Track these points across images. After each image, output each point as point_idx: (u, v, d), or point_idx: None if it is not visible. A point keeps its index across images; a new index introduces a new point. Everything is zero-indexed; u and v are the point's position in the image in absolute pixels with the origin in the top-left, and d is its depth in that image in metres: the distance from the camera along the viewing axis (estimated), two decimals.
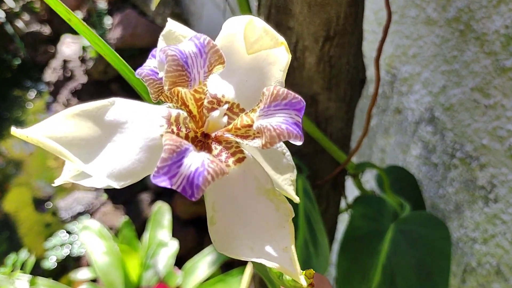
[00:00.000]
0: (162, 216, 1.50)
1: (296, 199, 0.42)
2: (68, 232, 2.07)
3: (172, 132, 0.32)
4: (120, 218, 2.00)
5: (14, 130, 0.28)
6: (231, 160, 0.33)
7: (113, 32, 2.26)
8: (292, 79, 0.60)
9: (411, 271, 0.60)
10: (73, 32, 2.43)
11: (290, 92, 0.30)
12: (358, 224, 0.65)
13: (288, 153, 0.38)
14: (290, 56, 0.34)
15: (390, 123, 0.89)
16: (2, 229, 2.13)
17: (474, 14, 0.67)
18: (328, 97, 0.60)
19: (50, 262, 1.93)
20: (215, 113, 0.33)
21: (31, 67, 2.74)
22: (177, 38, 0.39)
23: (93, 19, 2.41)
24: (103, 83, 2.30)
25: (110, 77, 2.29)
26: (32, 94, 2.71)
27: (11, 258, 1.40)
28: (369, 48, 0.92)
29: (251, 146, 0.32)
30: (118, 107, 0.32)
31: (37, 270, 1.85)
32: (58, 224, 2.12)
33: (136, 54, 2.31)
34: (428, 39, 0.78)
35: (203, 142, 0.33)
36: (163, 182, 0.26)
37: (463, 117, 0.74)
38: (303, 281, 0.30)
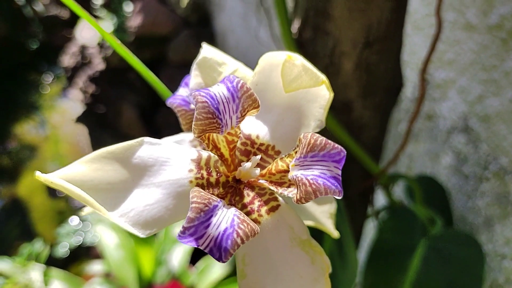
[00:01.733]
0: None
1: (335, 235, 0.40)
2: (82, 220, 2.06)
3: (202, 177, 0.30)
4: None
5: (38, 175, 0.27)
6: (264, 209, 0.31)
7: (134, 19, 2.24)
8: None
9: None
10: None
11: (329, 141, 0.28)
12: (387, 237, 0.62)
13: None
14: (332, 94, 0.32)
15: (420, 130, 0.86)
16: (15, 214, 2.14)
17: None
18: (363, 104, 0.58)
19: (63, 250, 1.93)
20: (247, 165, 0.31)
21: (49, 51, 2.73)
22: (212, 67, 0.37)
23: (114, 5, 2.39)
24: (121, 71, 2.28)
25: (128, 65, 2.26)
26: (48, 78, 2.70)
27: (26, 248, 1.40)
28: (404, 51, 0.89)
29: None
30: (146, 149, 0.30)
31: (49, 258, 1.85)
32: (71, 211, 2.12)
33: (156, 42, 2.28)
34: (466, 45, 0.75)
35: (234, 187, 0.31)
36: (189, 243, 0.25)
37: (499, 128, 0.71)
38: None
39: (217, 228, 0.25)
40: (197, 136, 0.28)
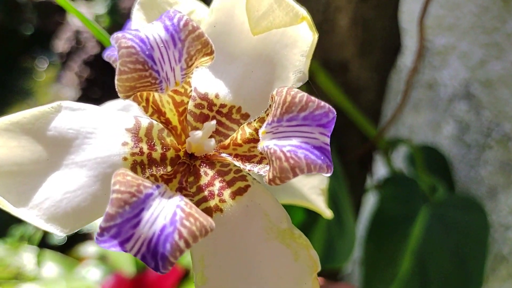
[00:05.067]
0: None
1: (328, 215, 0.33)
2: None
3: (141, 152, 0.23)
4: None
5: None
6: (227, 193, 0.23)
7: (126, 1, 2.21)
8: (321, 44, 0.54)
9: (444, 258, 0.56)
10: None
11: (312, 98, 0.21)
12: (387, 206, 0.60)
13: None
14: (317, 35, 0.24)
15: (420, 99, 0.84)
16: None
17: None
18: (360, 64, 0.55)
19: (59, 237, 1.91)
20: (197, 134, 0.23)
21: (43, 37, 2.70)
22: (160, 7, 0.29)
23: None
24: None
25: None
26: (43, 64, 2.67)
27: (18, 230, 1.37)
28: (401, 19, 0.86)
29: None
30: (65, 116, 0.22)
31: (45, 245, 1.84)
32: None
33: None
34: (466, 8, 0.72)
35: (187, 164, 0.24)
36: (112, 248, 0.18)
37: (502, 94, 0.68)
38: None
39: (150, 227, 0.18)
40: (124, 97, 0.21)
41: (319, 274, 0.63)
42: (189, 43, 0.21)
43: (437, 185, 0.62)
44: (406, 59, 0.86)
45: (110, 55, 0.32)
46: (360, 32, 0.52)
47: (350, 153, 0.62)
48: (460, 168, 0.78)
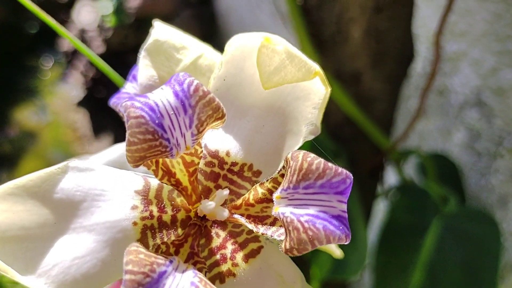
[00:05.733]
0: None
1: (338, 254, 0.32)
2: None
3: (151, 216, 0.22)
4: None
5: None
6: (240, 256, 0.23)
7: (133, 0, 2.20)
8: (333, 55, 0.54)
9: (456, 270, 0.56)
10: None
11: (329, 165, 0.20)
12: (398, 216, 0.60)
13: None
14: (329, 88, 0.24)
15: (430, 106, 0.83)
16: None
17: None
18: (373, 75, 0.55)
19: None
20: (210, 205, 0.22)
21: (48, 35, 2.70)
22: (167, 53, 0.28)
23: None
24: (121, 54, 2.25)
25: (129, 47, 2.24)
26: (48, 63, 2.67)
27: None
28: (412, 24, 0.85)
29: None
30: (72, 178, 0.22)
31: None
32: None
33: None
34: (478, 15, 0.72)
35: (199, 226, 0.23)
36: None
37: None
38: None
39: None
40: (133, 166, 0.20)
41: (329, 284, 0.63)
42: (200, 109, 0.21)
43: (448, 196, 0.62)
44: (417, 64, 0.86)
45: (115, 103, 0.31)
46: (373, 43, 0.52)
47: (361, 162, 0.61)
48: (470, 176, 0.77)
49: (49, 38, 2.66)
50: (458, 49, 0.77)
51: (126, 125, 0.20)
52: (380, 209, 0.75)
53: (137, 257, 0.18)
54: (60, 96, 2.53)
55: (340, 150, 0.59)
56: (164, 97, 0.20)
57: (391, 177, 0.77)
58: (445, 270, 0.56)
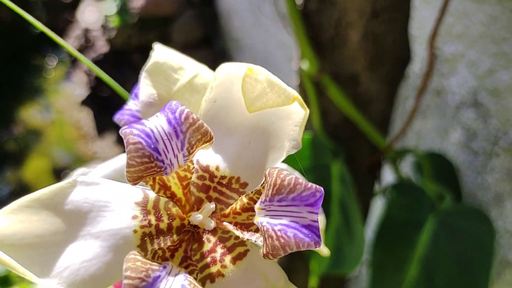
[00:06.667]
0: None
1: (325, 252, 0.34)
2: None
3: (149, 224, 0.25)
4: None
5: None
6: (228, 259, 0.25)
7: (136, 0, 2.22)
8: (332, 58, 0.55)
9: (451, 266, 0.57)
10: None
11: (300, 180, 0.22)
12: (395, 213, 0.61)
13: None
14: (308, 111, 0.26)
15: (428, 106, 0.85)
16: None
17: None
18: (370, 77, 0.56)
19: None
20: (198, 217, 0.25)
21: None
22: (166, 74, 0.31)
23: None
24: (125, 53, 2.27)
25: (132, 47, 2.26)
26: (52, 62, 2.69)
27: None
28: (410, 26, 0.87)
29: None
30: (80, 191, 0.25)
31: None
32: None
33: (160, 23, 2.27)
34: (475, 17, 0.73)
35: (192, 232, 0.26)
36: None
37: (509, 103, 0.69)
38: None
39: None
40: (132, 184, 0.23)
41: (327, 278, 0.64)
42: (190, 134, 0.23)
43: (444, 194, 0.63)
44: (415, 65, 0.88)
45: (119, 119, 0.34)
46: (371, 46, 0.54)
47: (359, 161, 0.63)
48: (467, 175, 0.79)
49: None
50: (456, 51, 0.78)
51: (126, 150, 0.22)
52: (378, 207, 0.77)
53: (134, 264, 0.21)
54: (64, 95, 2.55)
55: (339, 149, 0.61)
56: (158, 124, 0.23)
57: (388, 176, 0.79)
58: (440, 265, 0.58)
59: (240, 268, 0.25)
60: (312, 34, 0.54)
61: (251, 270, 0.25)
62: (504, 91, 0.70)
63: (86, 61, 0.34)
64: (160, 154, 0.23)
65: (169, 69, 0.31)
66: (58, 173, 2.20)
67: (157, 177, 0.25)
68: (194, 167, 0.26)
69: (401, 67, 0.59)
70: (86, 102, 2.42)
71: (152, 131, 0.23)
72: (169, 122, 0.23)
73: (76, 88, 2.49)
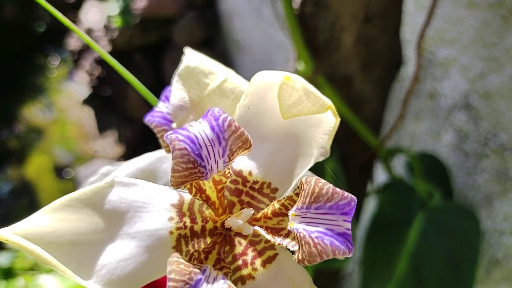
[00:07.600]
0: None
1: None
2: None
3: (184, 226, 0.26)
4: None
5: None
6: (258, 262, 0.26)
7: (139, 1, 2.23)
8: (326, 60, 0.58)
9: (438, 261, 0.59)
10: None
11: (337, 190, 0.23)
12: (386, 210, 0.63)
13: None
14: (339, 119, 0.27)
15: (421, 109, 0.87)
16: (23, 196, 2.16)
17: None
18: (363, 79, 0.59)
19: None
20: (238, 222, 0.26)
21: (55, 34, 2.73)
22: (197, 78, 0.32)
23: None
24: (127, 53, 2.29)
25: (134, 47, 2.27)
26: (55, 61, 2.71)
27: None
28: (404, 31, 0.89)
29: None
30: (118, 191, 0.25)
31: None
32: None
33: (162, 24, 2.28)
34: (467, 23, 0.75)
35: (224, 235, 0.27)
36: None
37: (499, 106, 0.71)
38: None
39: None
40: (175, 188, 0.24)
41: (322, 273, 0.66)
42: (232, 141, 0.24)
43: (433, 192, 0.65)
44: (409, 69, 0.90)
45: (150, 121, 0.34)
46: (364, 49, 0.56)
47: (352, 160, 0.65)
48: (458, 175, 0.81)
49: (56, 37, 2.70)
50: (448, 55, 0.80)
51: (172, 155, 0.23)
52: (371, 205, 0.79)
53: (178, 267, 0.22)
54: (66, 94, 2.57)
55: (332, 148, 0.63)
56: (202, 130, 0.24)
57: (381, 175, 0.81)
58: (428, 260, 0.60)
59: (269, 271, 0.26)
60: (307, 37, 0.56)
61: (280, 274, 0.26)
62: (494, 94, 0.72)
63: (99, 49, 0.35)
64: (203, 160, 0.23)
65: (200, 73, 0.32)
66: (60, 171, 2.22)
67: (194, 182, 0.25)
68: (229, 172, 0.27)
69: (393, 69, 0.61)
70: (87, 101, 2.44)
71: (196, 137, 0.24)
72: (212, 128, 0.24)
73: (78, 88, 2.51)
